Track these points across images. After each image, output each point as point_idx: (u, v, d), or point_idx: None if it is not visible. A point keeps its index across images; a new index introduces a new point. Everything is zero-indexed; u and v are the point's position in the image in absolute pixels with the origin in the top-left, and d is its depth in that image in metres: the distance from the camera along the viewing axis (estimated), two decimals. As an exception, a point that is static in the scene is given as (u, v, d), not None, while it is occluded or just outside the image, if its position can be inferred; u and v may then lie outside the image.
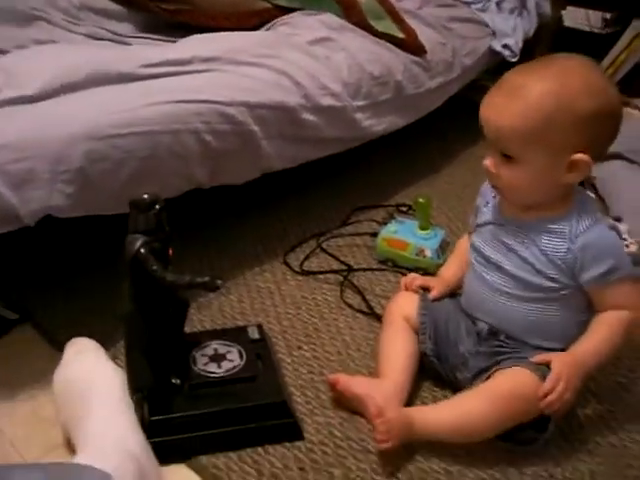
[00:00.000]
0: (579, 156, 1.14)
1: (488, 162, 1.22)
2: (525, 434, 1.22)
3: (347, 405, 1.31)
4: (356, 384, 1.30)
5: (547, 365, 1.19)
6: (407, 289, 1.45)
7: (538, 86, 1.14)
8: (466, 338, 1.34)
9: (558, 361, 1.18)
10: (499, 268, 1.27)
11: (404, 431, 1.19)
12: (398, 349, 1.35)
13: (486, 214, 1.32)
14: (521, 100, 1.14)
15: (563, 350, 1.24)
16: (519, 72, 1.19)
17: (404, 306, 1.41)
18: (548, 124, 1.13)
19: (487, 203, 1.34)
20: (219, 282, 1.11)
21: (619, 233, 1.22)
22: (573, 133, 1.14)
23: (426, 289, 1.43)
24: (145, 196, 1.15)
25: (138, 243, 1.15)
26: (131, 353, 1.27)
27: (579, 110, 1.12)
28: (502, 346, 1.29)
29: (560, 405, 1.17)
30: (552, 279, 1.22)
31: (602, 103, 1.14)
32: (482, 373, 1.27)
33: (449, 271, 1.46)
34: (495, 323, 1.30)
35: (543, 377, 1.17)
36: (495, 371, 1.23)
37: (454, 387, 1.35)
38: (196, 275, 1.12)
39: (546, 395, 1.16)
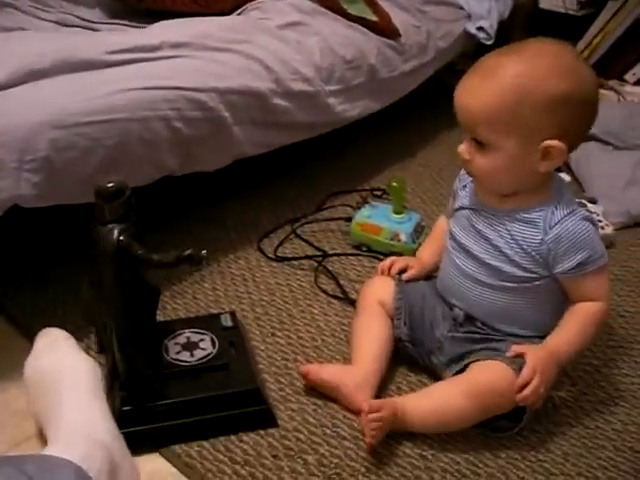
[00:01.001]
0: (552, 142, 1.13)
1: (462, 148, 1.21)
2: (500, 423, 1.22)
3: (321, 392, 1.30)
4: (327, 372, 1.29)
5: (522, 356, 1.19)
6: (383, 274, 1.44)
7: (510, 68, 1.13)
8: (442, 322, 1.33)
9: (532, 355, 1.17)
10: (473, 256, 1.27)
11: (390, 425, 1.19)
12: (372, 335, 1.34)
13: (463, 198, 1.32)
14: (493, 81, 1.13)
15: (538, 337, 1.25)
16: (493, 55, 1.18)
17: (378, 290, 1.40)
18: (519, 106, 1.11)
19: (464, 187, 1.33)
20: (204, 252, 1.11)
21: (594, 223, 1.21)
22: (545, 116, 1.11)
23: (404, 271, 1.43)
24: (110, 184, 1.13)
25: (116, 232, 1.13)
26: (110, 344, 1.26)
27: (550, 92, 1.10)
28: (478, 332, 1.29)
29: (535, 398, 1.17)
30: (525, 269, 1.22)
31: (574, 86, 1.11)
32: (458, 359, 1.27)
33: (426, 253, 1.46)
34: (468, 309, 1.30)
35: (519, 370, 1.17)
36: (471, 362, 1.23)
37: (429, 371, 1.36)
38: (180, 251, 1.12)
39: (521, 389, 1.15)
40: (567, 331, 1.22)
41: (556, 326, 1.24)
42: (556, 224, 1.18)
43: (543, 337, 1.24)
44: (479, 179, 1.24)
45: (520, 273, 1.22)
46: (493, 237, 1.24)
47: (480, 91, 1.14)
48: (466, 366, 1.24)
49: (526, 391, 1.15)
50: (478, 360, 1.23)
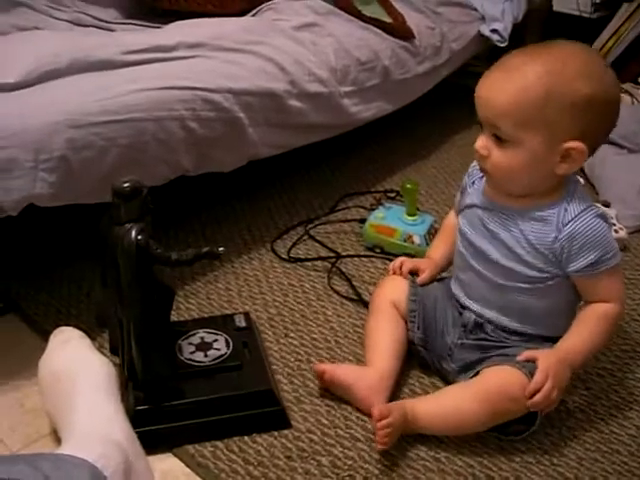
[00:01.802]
0: (574, 144, 1.12)
1: (479, 144, 1.19)
2: (512, 426, 1.22)
3: (334, 393, 1.30)
4: (342, 373, 1.29)
5: (534, 361, 1.18)
6: (395, 273, 1.44)
7: (537, 66, 1.12)
8: (452, 329, 1.33)
9: (544, 359, 1.16)
10: (484, 256, 1.26)
11: (401, 429, 1.19)
12: (385, 336, 1.34)
13: (472, 195, 1.30)
14: (519, 79, 1.12)
15: (550, 337, 1.24)
16: (519, 53, 1.17)
17: (391, 292, 1.40)
18: (544, 104, 1.11)
19: (473, 183, 1.32)
20: (221, 249, 1.12)
21: (607, 221, 1.20)
22: (569, 117, 1.11)
23: (415, 273, 1.42)
24: (126, 184, 1.13)
25: (134, 231, 1.14)
26: (128, 344, 1.26)
27: (577, 94, 1.10)
28: (487, 339, 1.28)
29: (547, 403, 1.16)
30: (538, 269, 1.21)
31: (600, 90, 1.12)
32: (468, 367, 1.26)
33: (437, 252, 1.45)
34: (479, 310, 1.29)
35: (531, 375, 1.16)
36: (483, 368, 1.22)
37: (441, 375, 1.35)
38: (198, 248, 1.13)
39: (533, 394, 1.15)
40: (579, 334, 1.21)
41: (569, 326, 1.23)
42: (570, 222, 1.17)
43: (556, 338, 1.23)
44: (493, 176, 1.21)
45: (533, 273, 1.21)
46: (505, 237, 1.22)
47: (507, 85, 1.13)
48: (478, 373, 1.23)
49: (538, 397, 1.14)
50: (490, 366, 1.22)
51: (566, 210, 1.18)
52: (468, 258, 1.29)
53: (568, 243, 1.17)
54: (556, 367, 1.16)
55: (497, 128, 1.15)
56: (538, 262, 1.20)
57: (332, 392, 1.31)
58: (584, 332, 1.21)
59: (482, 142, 1.19)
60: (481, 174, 1.27)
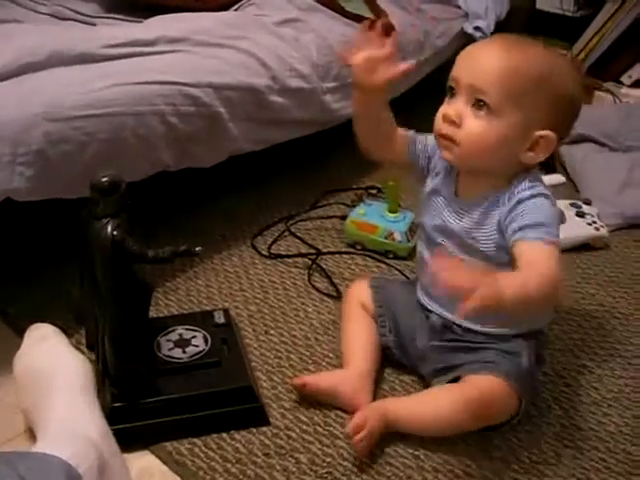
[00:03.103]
0: (546, 132, 1.13)
1: (451, 110, 1.15)
2: None
3: (315, 400, 1.29)
4: (324, 381, 1.28)
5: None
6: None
7: (539, 51, 1.15)
8: (420, 332, 1.32)
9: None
10: (447, 253, 1.23)
11: (380, 432, 1.18)
12: (358, 339, 1.34)
13: (436, 180, 1.28)
14: (522, 52, 1.13)
15: (518, 335, 1.24)
16: (513, 36, 1.19)
17: (360, 295, 1.39)
18: (538, 86, 1.12)
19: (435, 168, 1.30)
20: (199, 248, 1.11)
21: (553, 201, 1.17)
22: (551, 107, 1.13)
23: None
24: (105, 178, 1.12)
25: (110, 227, 1.13)
26: (102, 340, 1.25)
27: (565, 88, 1.14)
28: (457, 340, 1.27)
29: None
30: (492, 258, 1.19)
31: (579, 93, 1.18)
32: (444, 369, 1.25)
33: None
34: (444, 313, 1.27)
35: (514, 383, 1.17)
36: (465, 375, 1.20)
37: (419, 375, 1.35)
38: (175, 246, 1.12)
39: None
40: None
41: (534, 322, 1.24)
42: (517, 193, 1.15)
43: (524, 335, 1.23)
44: (462, 146, 1.15)
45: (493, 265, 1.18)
46: (458, 230, 1.21)
47: (507, 55, 1.12)
48: (457, 378, 1.21)
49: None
50: (471, 373, 1.20)
51: (515, 187, 1.16)
52: (428, 254, 1.28)
53: (512, 210, 1.14)
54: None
55: (484, 94, 1.12)
56: (492, 250, 1.18)
57: (313, 399, 1.29)
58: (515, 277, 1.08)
59: (455, 108, 1.15)
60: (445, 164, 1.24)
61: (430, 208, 1.28)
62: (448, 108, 1.16)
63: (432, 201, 1.28)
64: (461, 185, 1.24)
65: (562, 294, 1.25)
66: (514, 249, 1.12)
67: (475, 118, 1.13)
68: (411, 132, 1.35)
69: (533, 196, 1.15)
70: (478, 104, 1.13)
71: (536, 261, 1.08)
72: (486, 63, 1.13)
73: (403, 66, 1.23)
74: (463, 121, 1.14)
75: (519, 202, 1.14)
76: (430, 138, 1.28)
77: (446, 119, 1.16)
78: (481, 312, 0.97)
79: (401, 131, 1.34)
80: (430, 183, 1.30)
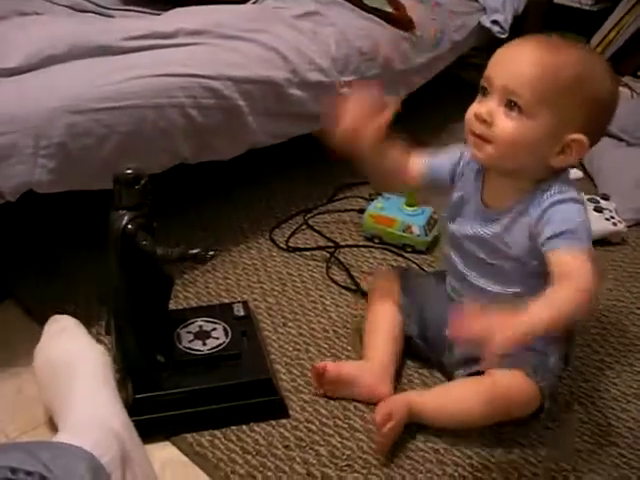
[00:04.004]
0: (578, 136, 1.12)
1: (484, 109, 1.14)
2: None
3: (334, 394, 1.28)
4: (345, 367, 1.28)
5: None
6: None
7: (574, 54, 1.14)
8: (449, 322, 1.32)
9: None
10: (477, 259, 1.25)
11: (403, 425, 1.19)
12: (383, 331, 1.34)
13: (463, 186, 1.28)
14: (557, 55, 1.12)
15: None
16: (545, 36, 1.17)
17: (387, 283, 1.40)
18: (572, 89, 1.11)
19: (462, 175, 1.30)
20: (210, 253, 1.10)
21: (584, 206, 1.17)
22: (585, 110, 1.12)
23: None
24: (129, 171, 1.13)
25: (125, 219, 1.14)
26: (118, 331, 1.26)
27: (600, 92, 1.13)
28: None
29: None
30: (526, 264, 1.20)
31: (614, 96, 1.16)
32: (468, 361, 1.24)
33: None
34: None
35: (541, 380, 1.17)
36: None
37: (440, 369, 1.35)
38: (187, 247, 1.11)
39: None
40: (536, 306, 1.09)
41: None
42: (546, 200, 1.15)
43: (555, 335, 1.22)
44: (495, 144, 1.14)
45: (523, 269, 1.20)
46: (489, 238, 1.22)
47: (540, 57, 1.11)
48: (479, 371, 1.21)
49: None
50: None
51: (543, 194, 1.16)
52: (459, 261, 1.29)
53: (541, 218, 1.15)
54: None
55: (516, 95, 1.11)
56: (532, 259, 1.19)
57: (331, 395, 1.29)
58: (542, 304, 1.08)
59: (487, 108, 1.14)
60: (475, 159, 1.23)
61: (458, 216, 1.29)
62: (480, 107, 1.16)
63: (460, 209, 1.29)
64: (488, 190, 1.24)
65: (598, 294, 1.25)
66: (547, 259, 1.13)
67: (507, 118, 1.13)
68: (425, 160, 1.35)
69: (563, 201, 1.15)
70: (510, 105, 1.13)
71: (571, 273, 1.09)
72: (519, 65, 1.13)
73: (385, 114, 1.29)
74: (495, 120, 1.14)
75: (548, 208, 1.15)
76: (445, 154, 1.33)
77: (478, 118, 1.15)
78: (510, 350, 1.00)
79: (414, 160, 1.35)
80: (457, 191, 1.30)
